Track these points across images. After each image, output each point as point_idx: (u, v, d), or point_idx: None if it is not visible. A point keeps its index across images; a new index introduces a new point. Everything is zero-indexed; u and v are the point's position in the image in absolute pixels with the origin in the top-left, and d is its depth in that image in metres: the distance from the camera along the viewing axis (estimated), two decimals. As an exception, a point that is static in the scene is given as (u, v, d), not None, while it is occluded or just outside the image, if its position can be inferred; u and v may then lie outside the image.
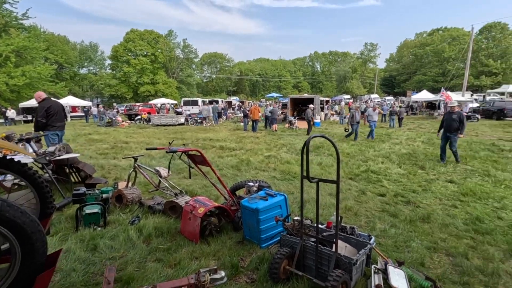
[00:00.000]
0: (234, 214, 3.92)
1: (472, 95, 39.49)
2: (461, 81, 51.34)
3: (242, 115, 19.19)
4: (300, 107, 23.92)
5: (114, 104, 40.88)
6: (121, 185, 5.32)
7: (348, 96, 58.37)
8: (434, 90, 42.15)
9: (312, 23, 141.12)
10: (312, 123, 15.96)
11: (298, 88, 79.72)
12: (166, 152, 4.01)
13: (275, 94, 41.72)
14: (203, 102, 29.85)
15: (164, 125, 21.34)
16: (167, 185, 4.91)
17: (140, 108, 29.93)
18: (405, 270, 2.74)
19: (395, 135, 14.27)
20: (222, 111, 25.45)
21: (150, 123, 22.33)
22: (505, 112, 21.31)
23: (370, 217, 4.40)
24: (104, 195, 4.61)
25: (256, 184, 4.14)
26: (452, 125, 8.08)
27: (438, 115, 24.80)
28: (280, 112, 27.99)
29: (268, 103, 30.34)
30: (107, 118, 22.16)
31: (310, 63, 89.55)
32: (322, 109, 24.67)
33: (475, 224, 4.12)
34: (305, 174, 2.56)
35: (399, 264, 2.89)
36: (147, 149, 5.10)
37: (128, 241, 3.53)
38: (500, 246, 3.51)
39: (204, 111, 21.51)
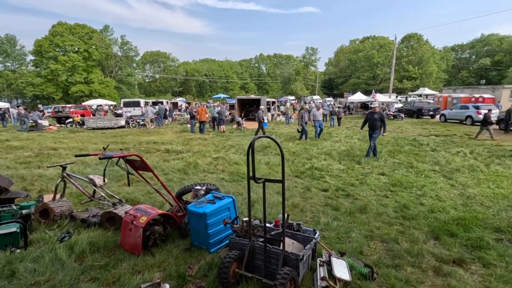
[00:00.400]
0: (180, 220, 3.73)
1: (397, 96, 44.83)
2: (388, 84, 57.89)
3: (189, 116, 18.61)
4: (247, 107, 24.20)
5: (40, 105, 35.96)
6: (48, 197, 4.67)
7: (293, 97, 61.13)
8: (367, 92, 46.68)
9: (257, 26, 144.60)
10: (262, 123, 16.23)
11: (245, 89, 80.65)
12: (100, 158, 3.62)
13: (222, 95, 41.54)
14: (146, 103, 28.16)
15: (102, 129, 19.51)
16: (103, 194, 4.46)
17: (71, 110, 26.87)
18: (346, 260, 2.92)
19: (335, 133, 15.36)
20: (168, 113, 24.35)
21: (84, 127, 20.20)
22: (423, 111, 24.63)
23: (315, 212, 4.63)
24: (24, 211, 3.98)
25: (204, 188, 4.01)
26: (375, 124, 8.74)
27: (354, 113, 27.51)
28: (228, 113, 27.96)
29: (215, 104, 30.00)
30: (30, 121, 19.36)
31: (256, 64, 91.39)
32: (268, 109, 25.33)
33: (403, 211, 4.63)
34: (251, 175, 2.55)
35: (341, 254, 3.07)
36: (76, 155, 4.54)
37: (56, 262, 3.09)
38: (422, 229, 4.00)
39: (148, 112, 20.29)
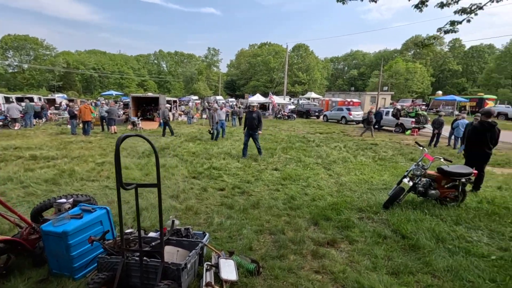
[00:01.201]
0: (34, 244, 2.93)
1: (290, 99, 50.04)
2: (283, 88, 64.10)
3: (68, 115, 15.65)
4: (144, 106, 22.27)
5: None
6: None
7: (196, 97, 60.11)
8: (265, 94, 50.33)
9: (155, 20, 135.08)
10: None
11: (144, 87, 74.43)
12: None
13: (114, 92, 36.76)
14: (6, 99, 22.29)
15: None
16: None
17: None
18: (234, 258, 2.87)
19: (236, 132, 15.78)
20: (42, 111, 19.90)
21: None
22: (310, 112, 28.20)
23: (210, 213, 4.49)
24: None
25: (70, 200, 3.29)
26: (252, 123, 8.74)
27: (269, 115, 29.68)
28: (122, 112, 25.08)
29: (104, 101, 26.41)
30: None
31: (156, 61, 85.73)
32: (170, 109, 23.98)
33: (290, 202, 5.01)
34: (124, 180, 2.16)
35: (230, 254, 3.01)
36: None
37: None
38: (305, 217, 4.41)
39: (11, 110, 15.99)
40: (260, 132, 9.04)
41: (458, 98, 28.85)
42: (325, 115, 25.57)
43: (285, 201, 5.12)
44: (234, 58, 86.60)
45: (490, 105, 28.68)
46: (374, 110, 19.10)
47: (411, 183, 4.64)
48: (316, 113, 28.19)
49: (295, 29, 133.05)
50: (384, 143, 13.15)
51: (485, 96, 30.46)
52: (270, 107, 29.78)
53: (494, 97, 32.18)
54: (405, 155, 9.96)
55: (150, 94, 26.44)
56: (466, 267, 2.94)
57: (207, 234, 3.07)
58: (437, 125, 12.13)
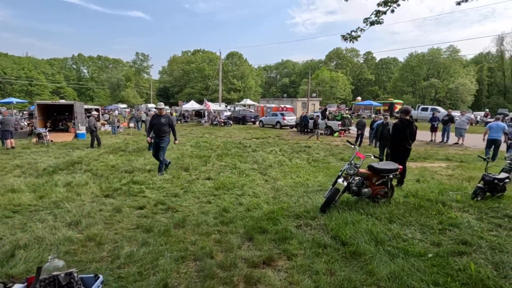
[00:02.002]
0: None
1: (226, 106, 49.85)
2: (218, 95, 63.67)
3: None
4: (55, 116, 19.06)
5: None
6: None
7: (125, 105, 55.15)
8: (201, 102, 49.07)
9: (73, 21, 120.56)
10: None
11: (59, 94, 65.17)
12: None
13: (15, 100, 30.70)
14: None
15: None
16: None
17: None
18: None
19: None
20: None
21: None
22: (246, 118, 28.26)
23: (118, 241, 3.54)
24: None
25: None
26: (162, 130, 7.32)
27: (205, 122, 28.70)
28: (26, 123, 21.18)
29: (3, 109, 21.86)
30: None
31: (74, 66, 76.29)
32: (97, 118, 21.02)
33: (222, 216, 4.38)
34: None
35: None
36: None
37: None
38: (239, 231, 3.82)
39: None
40: (176, 142, 7.95)
41: (374, 103, 32.61)
42: (260, 121, 25.85)
43: (217, 214, 4.47)
44: (166, 65, 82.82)
45: (398, 108, 33.18)
46: (308, 114, 20.04)
47: (345, 183, 4.50)
48: (252, 119, 28.39)
49: (229, 38, 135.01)
50: (316, 145, 13.62)
51: (394, 100, 35.18)
52: (206, 114, 28.84)
53: (401, 101, 37.39)
54: (336, 155, 10.33)
55: (62, 101, 22.88)
56: (408, 271, 2.74)
57: (101, 277, 2.22)
58: (360, 126, 13.07)
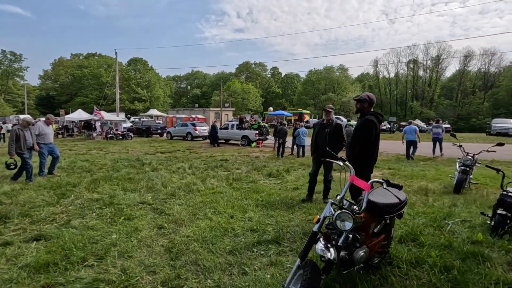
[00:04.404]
0: None
1: (129, 116, 43.52)
2: (123, 105, 55.66)
3: None
4: None
5: None
6: None
7: (-17, 117, 41.73)
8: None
9: None
10: None
11: None
12: None
13: None
14: None
15: None
16: None
17: None
18: None
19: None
20: None
21: None
22: (151, 130, 24.28)
23: None
24: None
25: None
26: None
27: (96, 136, 23.24)
28: None
29: None
30: None
31: None
32: None
33: None
34: None
35: None
36: None
37: None
38: None
39: None
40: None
41: (285, 113, 33.39)
42: (168, 132, 22.43)
43: None
44: (49, 68, 68.40)
45: (306, 118, 35.01)
46: (216, 123, 17.98)
47: (330, 253, 2.07)
48: (159, 131, 24.61)
49: (133, 46, 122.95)
50: (234, 157, 11.56)
51: (303, 111, 37.12)
52: (97, 125, 23.38)
53: (309, 112, 39.90)
54: (260, 170, 8.42)
55: None
56: None
57: None
58: (282, 135, 11.71)
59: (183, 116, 32.70)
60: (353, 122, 26.06)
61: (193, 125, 20.95)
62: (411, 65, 60.77)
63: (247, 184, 6.37)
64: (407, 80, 61.77)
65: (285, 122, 13.53)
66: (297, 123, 15.49)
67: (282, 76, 78.08)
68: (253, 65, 76.02)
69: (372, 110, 3.48)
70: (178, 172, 7.93)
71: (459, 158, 5.92)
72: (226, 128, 18.69)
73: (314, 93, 62.61)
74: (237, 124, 18.34)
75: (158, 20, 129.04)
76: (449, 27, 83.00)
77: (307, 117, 34.46)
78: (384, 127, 27.90)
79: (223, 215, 4.19)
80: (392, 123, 29.63)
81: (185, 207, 4.62)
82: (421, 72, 59.99)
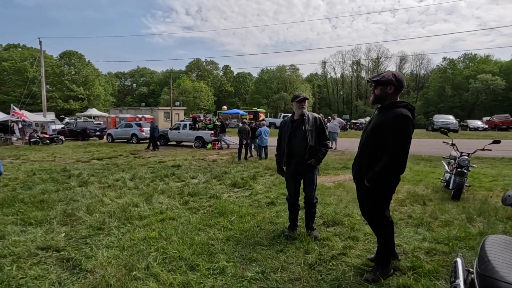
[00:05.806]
0: None
1: (63, 117, 38.00)
2: (54, 104, 48.56)
3: None
4: None
5: None
6: None
7: None
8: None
9: None
10: None
11: None
12: None
13: None
14: None
15: None
16: None
17: None
18: None
19: None
20: None
21: None
22: (88, 132, 20.99)
23: None
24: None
25: None
26: None
27: (17, 140, 19.23)
28: None
29: None
30: None
31: None
32: None
33: None
34: None
35: None
36: None
37: None
38: None
39: None
40: None
41: (240, 111, 32.22)
42: (109, 134, 19.55)
43: None
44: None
45: (262, 116, 34.31)
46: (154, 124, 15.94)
47: None
48: (97, 133, 21.42)
49: (69, 39, 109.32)
50: (187, 162, 9.98)
51: (258, 109, 36.37)
52: (17, 127, 19.34)
53: (264, 110, 39.31)
54: (221, 177, 7.04)
55: None
56: None
57: None
58: (245, 135, 10.46)
59: (127, 116, 29.42)
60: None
61: (139, 125, 18.52)
62: (355, 67, 64.96)
63: (208, 201, 4.95)
64: (351, 81, 65.78)
65: (245, 120, 12.27)
66: (259, 122, 14.35)
67: (234, 74, 76.75)
68: (204, 63, 73.25)
69: (399, 99, 2.39)
70: (115, 187, 6.13)
71: (444, 157, 5.39)
72: (178, 128, 16.76)
73: (266, 92, 62.61)
74: (190, 124, 16.56)
75: (99, 14, 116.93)
76: (383, 33, 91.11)
77: (262, 116, 33.75)
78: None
79: (177, 267, 2.66)
80: (346, 121, 30.53)
81: (116, 253, 2.97)
82: (363, 73, 64.36)
